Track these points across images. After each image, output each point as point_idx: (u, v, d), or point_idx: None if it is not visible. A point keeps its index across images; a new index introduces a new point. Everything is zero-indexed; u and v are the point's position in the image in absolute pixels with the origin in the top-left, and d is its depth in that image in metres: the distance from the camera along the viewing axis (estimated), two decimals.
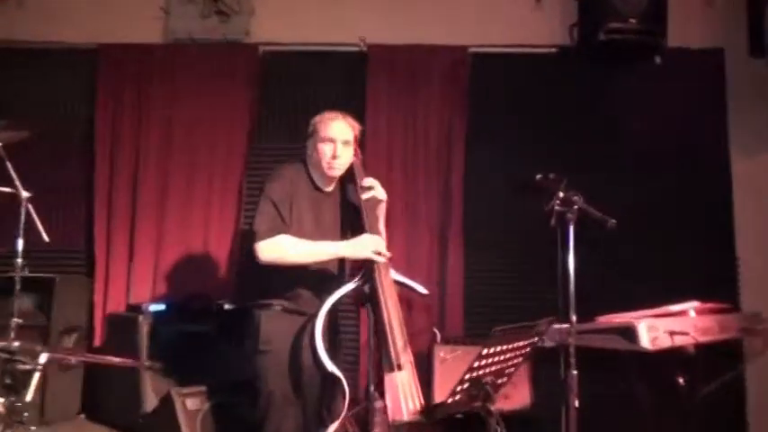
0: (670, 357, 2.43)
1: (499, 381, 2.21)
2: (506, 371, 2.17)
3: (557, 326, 2.39)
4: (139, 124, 3.98)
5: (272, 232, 2.41)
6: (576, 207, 2.18)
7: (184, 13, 4.02)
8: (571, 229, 2.19)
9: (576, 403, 2.15)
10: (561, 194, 2.23)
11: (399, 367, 2.34)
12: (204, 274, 3.83)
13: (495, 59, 4.05)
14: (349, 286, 2.50)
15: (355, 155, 2.67)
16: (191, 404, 2.85)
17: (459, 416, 2.46)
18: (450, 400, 1.96)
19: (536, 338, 2.18)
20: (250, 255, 2.63)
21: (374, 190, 2.67)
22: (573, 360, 2.16)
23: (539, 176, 2.49)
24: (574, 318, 2.23)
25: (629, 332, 2.31)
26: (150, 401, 3.04)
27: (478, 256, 3.87)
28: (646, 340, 2.28)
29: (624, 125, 3.92)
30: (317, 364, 2.40)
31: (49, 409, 3.34)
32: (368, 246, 2.47)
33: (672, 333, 2.33)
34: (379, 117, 3.97)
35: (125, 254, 3.88)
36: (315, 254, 2.47)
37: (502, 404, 3.23)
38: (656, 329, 2.33)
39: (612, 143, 3.91)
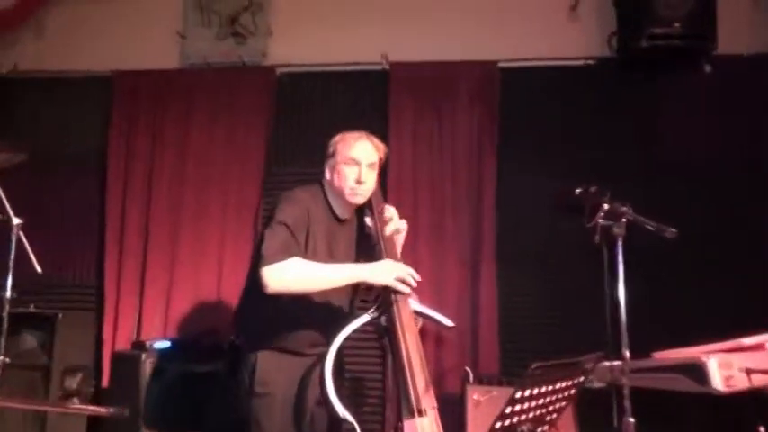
0: (747, 401, 2.01)
1: (539, 429, 1.85)
2: (547, 417, 1.82)
3: (606, 363, 2.01)
4: (152, 154, 3.83)
5: (284, 255, 2.10)
6: (624, 220, 1.84)
7: (200, 37, 3.92)
8: (620, 246, 1.85)
9: None
10: (606, 206, 1.89)
11: (420, 412, 2.00)
12: (217, 311, 3.58)
13: (527, 74, 3.76)
14: (363, 319, 2.20)
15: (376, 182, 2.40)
16: None
17: None
18: None
19: (582, 377, 1.82)
20: (250, 285, 2.38)
21: (394, 220, 2.39)
22: (628, 404, 1.79)
23: (578, 190, 2.17)
24: (627, 353, 1.86)
25: (696, 370, 1.92)
26: None
27: (513, 285, 3.52)
28: (718, 380, 1.88)
29: (670, 140, 3.55)
30: (326, 409, 2.09)
31: None
32: (391, 271, 2.17)
33: (749, 371, 1.93)
34: (403, 138, 3.72)
35: (135, 289, 3.68)
36: (331, 278, 2.16)
37: None
38: (729, 367, 1.93)
39: (657, 159, 3.54)
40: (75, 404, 3.26)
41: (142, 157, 3.82)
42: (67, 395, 3.23)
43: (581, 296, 3.10)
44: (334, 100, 3.85)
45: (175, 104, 3.87)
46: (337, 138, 2.36)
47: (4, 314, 2.65)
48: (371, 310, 2.22)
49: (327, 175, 2.34)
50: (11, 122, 3.91)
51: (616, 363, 1.93)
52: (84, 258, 3.81)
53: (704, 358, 1.95)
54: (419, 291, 3.41)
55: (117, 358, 3.17)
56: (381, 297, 2.21)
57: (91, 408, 2.68)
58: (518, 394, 1.56)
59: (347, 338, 2.10)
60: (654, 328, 2.52)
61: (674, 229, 1.81)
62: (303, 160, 3.77)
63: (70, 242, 3.81)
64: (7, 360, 2.62)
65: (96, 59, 3.98)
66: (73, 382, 3.26)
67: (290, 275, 2.09)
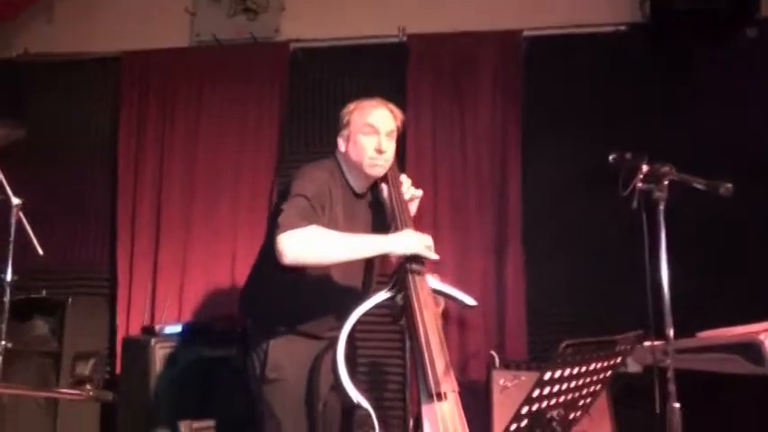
0: None
1: (571, 415, 1.68)
2: (579, 401, 1.64)
3: (647, 343, 1.82)
4: (163, 135, 3.71)
5: (303, 221, 1.93)
6: (666, 182, 1.64)
7: (210, 14, 3.79)
8: (662, 212, 1.65)
9: None
10: (645, 167, 1.70)
11: (440, 396, 1.83)
12: (231, 295, 3.43)
13: (553, 43, 3.52)
14: (378, 297, 2.03)
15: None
16: None
17: None
18: None
19: (619, 358, 1.64)
20: (261, 264, 2.24)
21: (412, 188, 2.23)
22: (673, 388, 1.60)
23: (612, 156, 1.96)
24: (671, 332, 1.67)
25: (752, 349, 1.70)
26: None
27: (542, 264, 3.31)
28: None
29: (709, 110, 3.29)
30: (339, 395, 1.94)
31: None
32: (417, 239, 2.00)
33: None
34: (421, 113, 3.54)
35: (148, 274, 3.58)
36: (355, 248, 1.98)
37: None
38: None
39: (695, 133, 3.28)
40: (88, 391, 3.18)
41: (153, 138, 3.71)
42: (79, 381, 3.14)
43: (616, 275, 2.90)
44: (350, 75, 3.68)
45: (186, 84, 3.75)
46: (351, 106, 2.20)
47: (6, 299, 2.53)
48: (387, 288, 2.06)
49: (342, 147, 2.18)
50: (22, 106, 3.83)
51: (658, 342, 1.74)
52: (96, 243, 3.73)
53: (762, 336, 1.73)
54: (440, 271, 3.26)
55: (127, 344, 3.07)
56: (398, 274, 2.05)
57: (72, 392, 2.56)
58: (547, 376, 1.39)
59: (362, 320, 1.94)
60: (697, 308, 2.29)
61: (729, 184, 1.61)
62: (318, 139, 3.64)
63: (82, 227, 3.74)
64: (9, 345, 2.52)
65: (106, 40, 3.88)
66: (85, 369, 3.17)
67: (309, 243, 1.92)
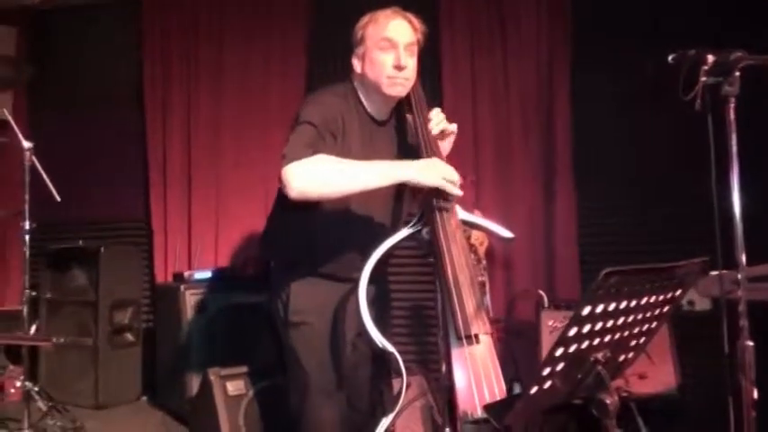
0: None
1: (621, 357, 1.44)
2: (631, 342, 1.40)
3: (714, 272, 1.54)
4: (188, 77, 3.58)
5: (309, 150, 1.74)
6: (737, 73, 1.32)
7: None
8: (731, 110, 1.34)
9: (756, 392, 1.32)
10: (711, 58, 1.38)
11: (471, 339, 1.63)
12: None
13: None
14: (402, 234, 1.82)
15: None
16: (232, 388, 2.35)
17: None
18: (534, 390, 1.23)
19: (678, 290, 1.37)
20: (279, 201, 2.05)
21: (444, 122, 1.96)
22: (745, 323, 1.33)
23: (672, 56, 1.63)
24: (743, 257, 1.39)
25: None
26: (195, 384, 2.58)
27: (594, 196, 3.03)
28: None
29: None
30: (364, 340, 1.78)
31: (103, 392, 3.02)
32: (439, 170, 1.76)
33: None
34: (456, 37, 3.23)
35: (183, 219, 3.50)
36: (366, 176, 1.75)
37: (637, 387, 2.46)
38: None
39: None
40: (129, 339, 3.17)
41: (178, 80, 3.58)
42: (118, 330, 3.13)
43: (678, 200, 2.56)
44: (378, 3, 3.37)
45: (207, 20, 3.57)
46: (365, 19, 1.93)
47: (26, 249, 2.48)
48: (412, 222, 1.85)
49: (357, 67, 1.93)
50: (46, 55, 3.75)
51: (727, 271, 1.46)
52: (129, 191, 3.67)
53: None
54: (483, 206, 3.01)
55: (159, 292, 3.01)
56: (424, 205, 1.83)
57: (28, 337, 2.50)
58: (585, 310, 1.15)
59: (400, 258, 1.74)
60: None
61: None
62: (343, 76, 3.39)
63: (115, 175, 3.68)
64: (48, 296, 2.48)
65: None
66: (123, 317, 3.15)
67: (316, 172, 1.72)
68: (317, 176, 1.72)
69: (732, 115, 1.35)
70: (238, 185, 3.46)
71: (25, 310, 2.55)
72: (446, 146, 2.03)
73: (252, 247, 3.29)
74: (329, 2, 3.48)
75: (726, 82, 1.34)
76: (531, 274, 3.02)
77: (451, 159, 1.93)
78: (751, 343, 1.34)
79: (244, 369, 2.41)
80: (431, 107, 1.99)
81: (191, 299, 2.76)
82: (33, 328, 2.84)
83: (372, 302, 1.75)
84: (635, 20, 3.02)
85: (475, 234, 2.72)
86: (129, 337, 3.17)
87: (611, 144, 3.00)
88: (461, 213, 1.86)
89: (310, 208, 1.84)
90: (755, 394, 1.32)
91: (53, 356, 3.11)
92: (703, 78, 1.37)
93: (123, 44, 3.72)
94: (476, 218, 1.96)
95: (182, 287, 2.76)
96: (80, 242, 3.27)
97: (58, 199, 2.55)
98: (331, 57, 3.44)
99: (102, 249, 3.10)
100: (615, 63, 2.99)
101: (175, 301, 2.76)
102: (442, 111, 1.99)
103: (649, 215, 2.91)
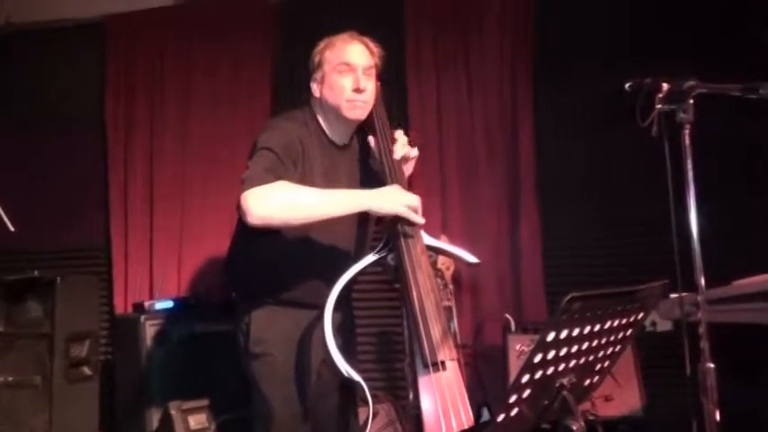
0: None
1: (586, 381, 1.44)
2: (596, 366, 1.40)
3: (674, 295, 1.56)
4: (153, 101, 3.52)
5: (270, 176, 1.71)
6: (691, 100, 1.36)
7: None
8: (687, 137, 1.38)
9: (718, 414, 1.33)
10: (666, 86, 1.42)
11: (437, 366, 1.62)
12: None
13: None
14: (367, 260, 1.81)
15: (376, 93, 1.97)
16: (194, 422, 2.28)
17: None
18: (501, 418, 1.21)
19: (641, 314, 1.39)
20: (240, 228, 2.02)
21: (403, 145, 1.97)
22: (706, 345, 1.35)
23: (629, 84, 1.68)
24: (702, 280, 1.41)
25: None
26: (155, 419, 2.49)
27: (559, 219, 3.07)
28: None
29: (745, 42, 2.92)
30: (330, 368, 1.74)
31: (58, 430, 2.88)
32: (398, 198, 1.76)
33: None
34: (422, 63, 3.28)
35: (145, 249, 3.41)
36: (327, 205, 1.74)
37: (603, 410, 2.47)
38: None
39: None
40: (86, 373, 3.05)
41: (143, 105, 3.52)
42: (75, 363, 3.00)
43: (639, 223, 2.62)
44: (343, 28, 3.40)
45: (173, 46, 3.53)
46: (322, 44, 1.95)
47: None
48: (378, 248, 1.84)
49: (316, 92, 1.93)
50: (5, 79, 3.66)
51: (687, 293, 1.48)
52: (89, 219, 3.57)
53: None
54: (450, 231, 3.02)
55: (118, 322, 2.92)
56: (388, 231, 1.82)
57: None
58: (550, 336, 1.15)
59: (365, 285, 1.73)
60: (732, 253, 2.02)
61: None
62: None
63: (74, 203, 3.57)
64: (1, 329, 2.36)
65: (86, 5, 3.66)
66: (81, 350, 3.03)
67: (275, 199, 1.70)
68: (277, 205, 1.70)
69: (687, 141, 1.39)
70: (203, 212, 3.39)
71: None
72: (409, 167, 2.03)
73: (216, 275, 3.22)
74: (295, 28, 3.48)
75: (680, 109, 1.37)
76: (498, 297, 3.03)
77: (417, 184, 1.94)
78: (712, 365, 1.35)
79: (206, 402, 2.34)
80: (394, 128, 2.00)
81: (151, 330, 2.68)
82: None
83: (338, 330, 1.73)
84: (596, 47, 3.11)
85: (441, 259, 2.73)
86: (87, 370, 3.04)
87: (574, 168, 3.06)
88: (427, 239, 1.86)
89: (271, 234, 1.82)
90: (718, 416, 1.33)
91: (5, 392, 2.96)
92: (659, 106, 1.40)
93: (85, 70, 3.65)
94: (441, 243, 1.97)
95: (142, 317, 2.68)
96: (35, 272, 3.15)
97: (12, 229, 2.47)
98: (298, 82, 3.44)
99: (59, 280, 2.98)
100: (577, 90, 3.07)
101: (135, 332, 2.68)
102: (408, 135, 2.00)
103: (612, 239, 2.96)
